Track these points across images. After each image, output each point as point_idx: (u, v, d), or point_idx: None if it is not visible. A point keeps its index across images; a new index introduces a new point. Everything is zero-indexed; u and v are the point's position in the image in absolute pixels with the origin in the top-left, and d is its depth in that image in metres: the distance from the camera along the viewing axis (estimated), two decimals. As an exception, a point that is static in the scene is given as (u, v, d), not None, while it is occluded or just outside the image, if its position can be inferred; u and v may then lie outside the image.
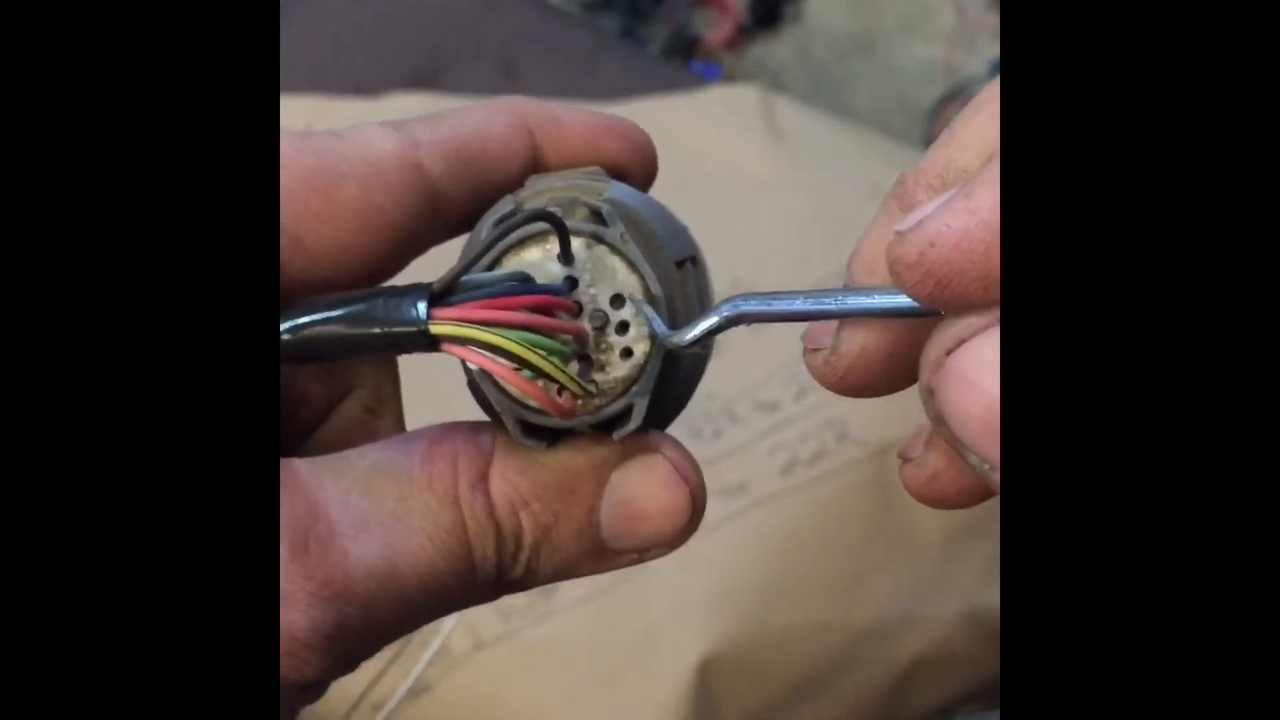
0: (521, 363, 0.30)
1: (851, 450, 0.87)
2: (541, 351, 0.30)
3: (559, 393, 0.31)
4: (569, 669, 0.82)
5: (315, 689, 0.31)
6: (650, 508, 0.32)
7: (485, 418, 0.33)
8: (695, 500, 0.32)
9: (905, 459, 0.32)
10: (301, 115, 1.10)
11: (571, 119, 0.35)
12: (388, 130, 0.34)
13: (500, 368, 0.30)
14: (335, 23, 1.18)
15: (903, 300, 0.28)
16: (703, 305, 0.33)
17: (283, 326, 0.30)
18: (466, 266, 0.30)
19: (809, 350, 0.31)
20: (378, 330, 0.30)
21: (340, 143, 0.33)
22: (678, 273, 0.33)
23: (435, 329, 0.29)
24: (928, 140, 1.51)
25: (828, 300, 0.29)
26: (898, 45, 1.62)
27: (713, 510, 0.92)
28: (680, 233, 0.34)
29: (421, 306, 0.30)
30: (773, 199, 1.00)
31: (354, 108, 1.09)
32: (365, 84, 1.11)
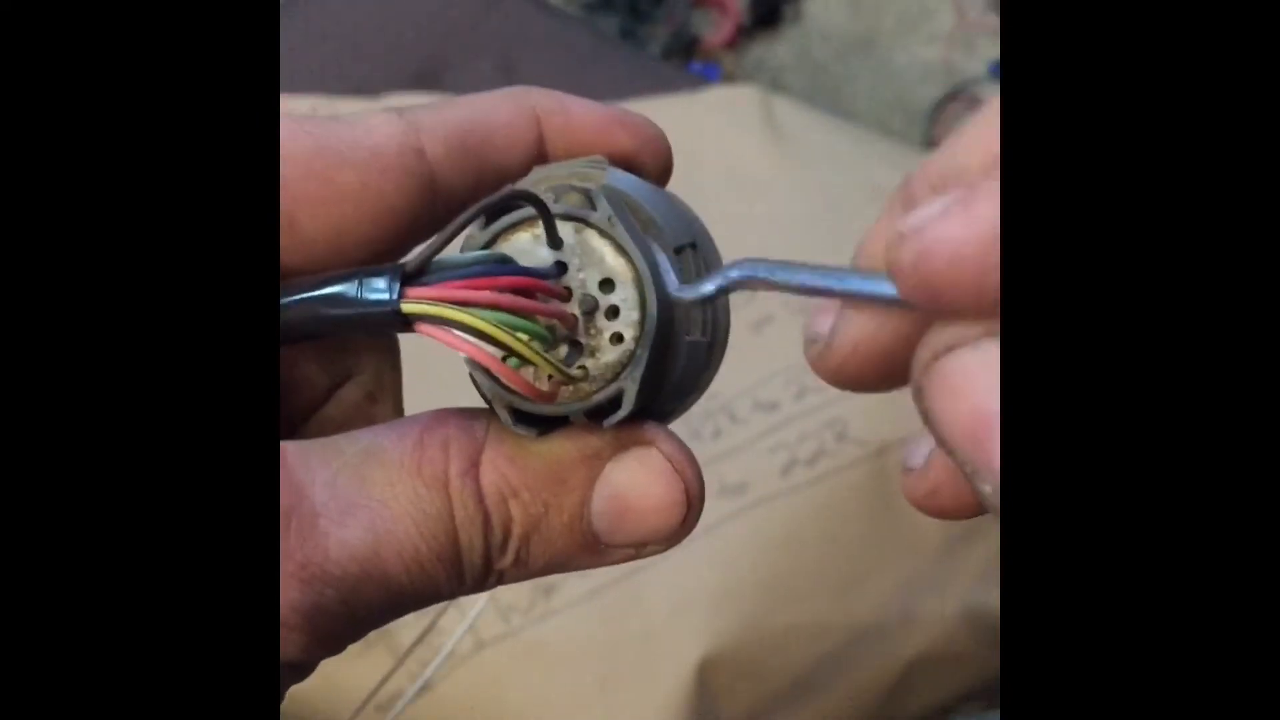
0: (496, 344, 0.29)
1: (851, 450, 0.87)
2: (519, 334, 0.29)
3: (547, 379, 0.30)
4: (569, 669, 0.82)
5: (299, 668, 0.30)
6: (643, 503, 0.31)
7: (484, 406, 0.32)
8: (691, 496, 0.32)
9: (906, 469, 0.31)
10: (302, 115, 1.10)
11: (580, 109, 0.35)
12: (390, 115, 0.33)
13: (475, 349, 0.29)
14: (335, 23, 1.18)
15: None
16: None
17: None
18: (440, 245, 0.30)
19: (806, 341, 0.31)
20: (351, 310, 0.29)
21: (340, 127, 0.33)
22: (675, 259, 0.32)
23: (407, 308, 0.29)
24: (927, 140, 1.51)
25: (832, 279, 0.29)
26: (897, 45, 1.62)
27: (712, 510, 0.92)
28: (685, 220, 0.34)
29: (394, 285, 0.29)
30: (773, 199, 1.00)
31: (354, 108, 1.09)
32: (365, 84, 1.11)
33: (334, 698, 0.68)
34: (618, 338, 0.31)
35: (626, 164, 0.34)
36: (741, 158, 1.03)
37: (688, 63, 1.62)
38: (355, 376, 0.36)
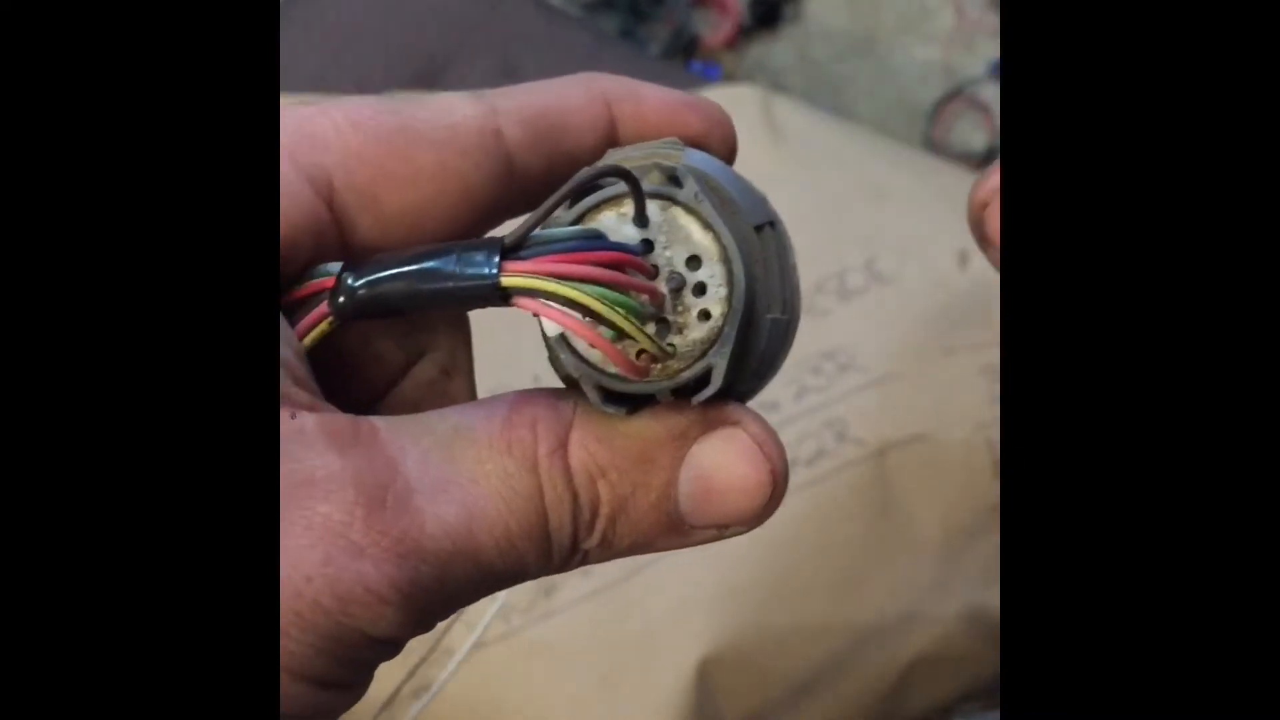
0: (596, 318, 0.29)
1: (851, 450, 0.86)
2: (618, 307, 0.29)
3: (637, 355, 0.30)
4: (569, 669, 0.82)
5: (392, 645, 0.30)
6: (729, 483, 0.31)
7: (560, 386, 0.32)
8: (776, 478, 0.32)
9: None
10: (302, 115, 1.10)
11: (650, 94, 0.35)
12: (467, 97, 0.33)
13: (574, 322, 0.29)
14: (335, 23, 1.18)
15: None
16: (782, 271, 0.33)
17: (356, 282, 0.30)
18: (536, 221, 0.30)
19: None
20: (450, 284, 0.30)
21: (419, 107, 0.33)
22: (756, 236, 0.32)
23: (507, 281, 0.29)
24: (927, 140, 1.51)
25: None
26: (897, 46, 1.62)
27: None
28: (759, 200, 0.34)
29: (494, 259, 0.29)
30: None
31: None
32: (366, 84, 1.11)
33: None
34: (705, 314, 0.31)
35: (696, 146, 0.35)
36: (741, 157, 1.03)
37: (688, 63, 1.62)
38: (430, 353, 0.36)
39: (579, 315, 0.29)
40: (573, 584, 0.82)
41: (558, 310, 0.29)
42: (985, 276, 0.91)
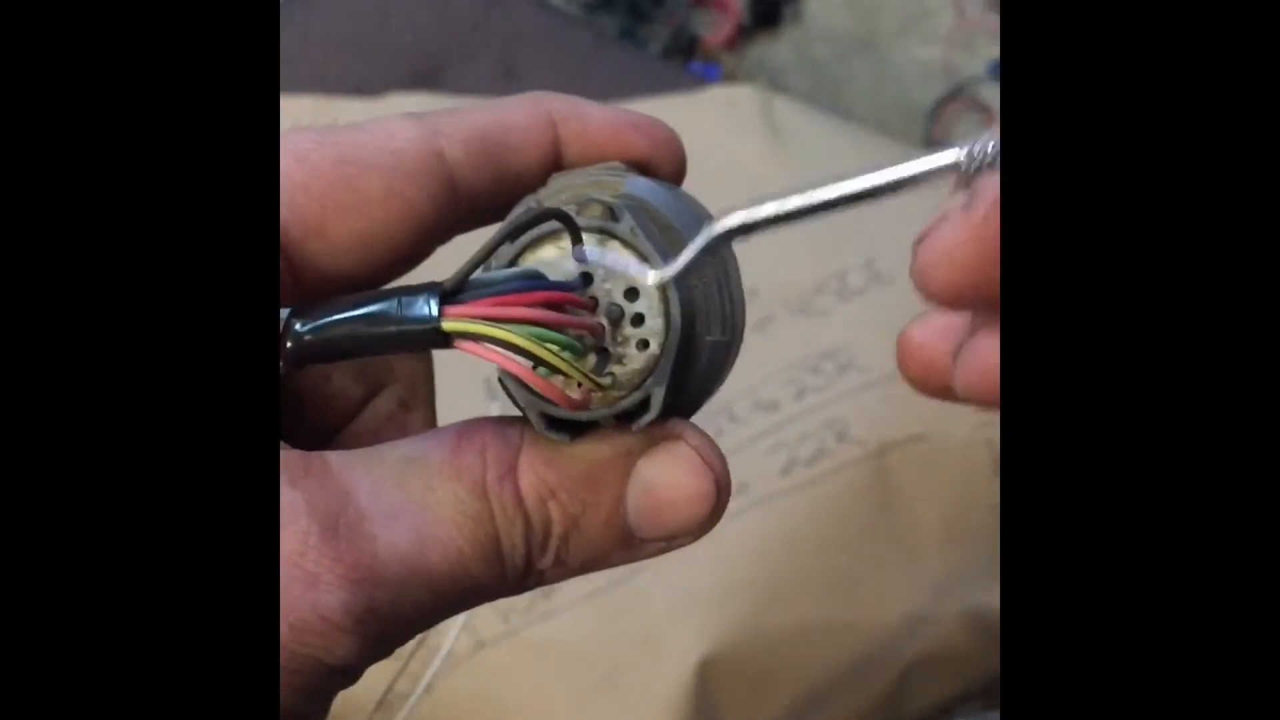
0: (531, 358, 0.30)
1: (851, 450, 0.86)
2: (551, 346, 0.30)
3: (578, 386, 0.31)
4: (569, 669, 0.82)
5: (349, 672, 0.31)
6: (675, 495, 0.32)
7: (510, 413, 0.33)
8: (719, 486, 0.33)
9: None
10: (302, 115, 1.10)
11: (595, 114, 0.36)
12: (409, 120, 0.34)
13: (512, 363, 0.30)
14: (335, 23, 1.18)
15: (923, 166, 0.28)
16: (724, 291, 0.34)
17: (304, 328, 0.31)
18: (474, 264, 0.31)
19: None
20: (393, 329, 0.30)
21: (362, 134, 0.33)
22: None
23: (447, 326, 0.30)
24: (928, 141, 1.51)
25: (821, 193, 0.30)
26: (897, 46, 1.62)
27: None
28: (700, 221, 0.34)
29: (433, 304, 0.30)
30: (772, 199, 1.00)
31: (354, 108, 1.09)
32: (366, 84, 1.11)
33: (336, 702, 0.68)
34: (643, 344, 0.32)
35: (641, 166, 0.35)
36: (741, 158, 1.03)
37: (688, 63, 1.62)
38: (388, 386, 0.37)
39: (516, 356, 0.30)
40: (572, 584, 0.82)
41: (496, 352, 0.30)
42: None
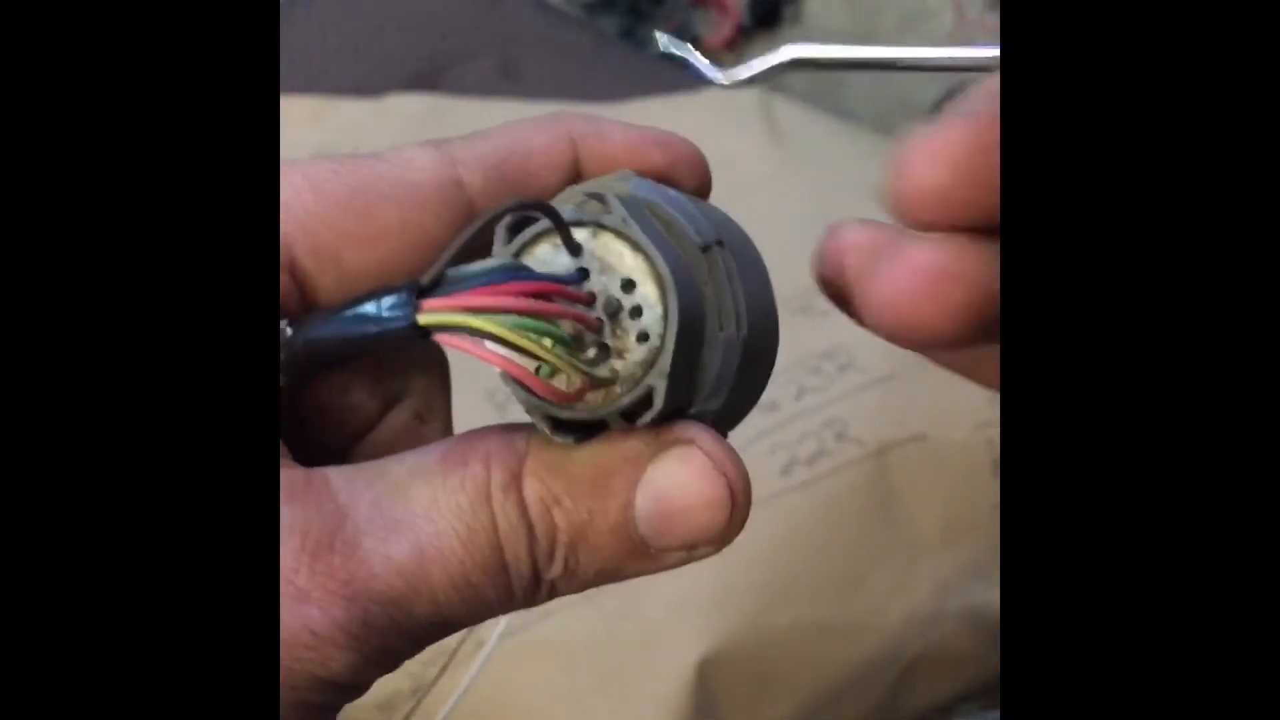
0: (512, 347, 0.29)
1: (850, 450, 0.86)
2: (533, 335, 0.29)
3: (568, 381, 0.30)
4: (569, 669, 0.82)
5: (350, 687, 0.31)
6: (686, 502, 0.31)
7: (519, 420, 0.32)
8: (734, 493, 0.31)
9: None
10: (302, 116, 1.10)
11: (616, 132, 0.35)
12: (427, 148, 0.34)
13: (497, 357, 0.29)
14: (335, 23, 1.18)
15: (970, 54, 0.28)
16: (739, 289, 0.33)
17: (297, 337, 0.31)
18: (449, 256, 0.30)
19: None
20: (373, 328, 0.30)
21: (378, 164, 0.33)
22: (702, 255, 0.32)
23: (423, 319, 0.29)
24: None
25: (892, 51, 0.29)
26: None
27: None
28: (714, 221, 0.34)
29: (408, 298, 0.30)
30: (773, 199, 1.00)
31: (355, 108, 1.09)
32: (366, 85, 1.11)
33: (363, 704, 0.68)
34: (643, 336, 0.31)
35: (664, 182, 0.34)
36: (741, 158, 1.03)
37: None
38: (405, 399, 0.36)
39: (499, 348, 0.29)
40: (573, 584, 0.82)
41: (480, 345, 0.29)
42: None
